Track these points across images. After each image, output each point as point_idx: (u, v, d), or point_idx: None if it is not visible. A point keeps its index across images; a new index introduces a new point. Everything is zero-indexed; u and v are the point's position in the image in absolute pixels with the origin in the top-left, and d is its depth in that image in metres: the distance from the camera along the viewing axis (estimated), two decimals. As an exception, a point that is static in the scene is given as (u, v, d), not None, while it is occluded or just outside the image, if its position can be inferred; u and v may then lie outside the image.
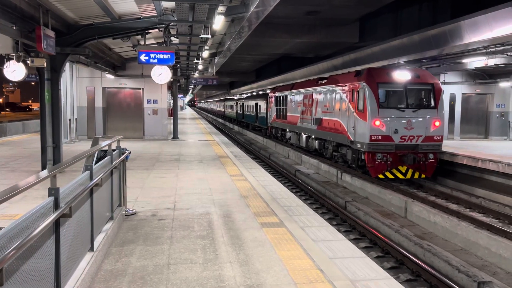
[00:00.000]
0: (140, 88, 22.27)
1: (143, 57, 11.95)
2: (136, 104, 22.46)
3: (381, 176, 14.30)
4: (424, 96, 14.90)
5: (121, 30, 12.07)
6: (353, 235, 10.08)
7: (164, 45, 13.70)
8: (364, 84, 14.33)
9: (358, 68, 18.88)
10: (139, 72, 21.68)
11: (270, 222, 6.98)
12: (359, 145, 14.68)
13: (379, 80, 14.40)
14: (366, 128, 14.14)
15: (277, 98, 27.55)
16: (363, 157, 14.67)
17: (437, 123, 14.40)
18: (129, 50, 18.65)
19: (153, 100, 22.12)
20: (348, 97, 15.68)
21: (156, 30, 12.65)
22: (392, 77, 14.52)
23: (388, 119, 14.10)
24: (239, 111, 46.45)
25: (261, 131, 35.13)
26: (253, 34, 16.26)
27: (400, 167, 14.31)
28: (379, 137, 13.99)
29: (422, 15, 16.59)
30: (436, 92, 14.62)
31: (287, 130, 25.50)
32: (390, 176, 14.33)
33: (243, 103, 43.83)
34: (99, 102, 21.98)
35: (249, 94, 48.11)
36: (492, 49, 15.27)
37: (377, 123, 13.97)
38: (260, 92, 42.47)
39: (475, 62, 18.31)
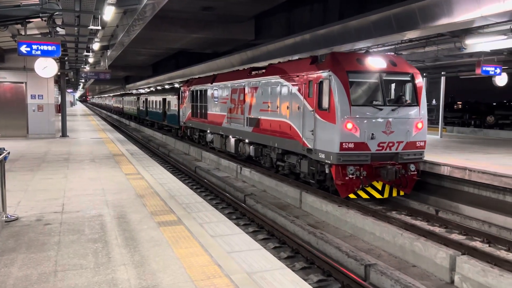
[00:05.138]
0: (22, 82, 20.33)
1: (24, 49, 10.95)
2: (18, 100, 20.47)
3: (352, 196, 11.12)
4: (404, 90, 11.98)
5: (-4, 18, 10.90)
6: (252, 228, 10.29)
7: (49, 36, 12.67)
8: (330, 73, 10.92)
9: (255, 65, 19.24)
10: (21, 64, 19.78)
11: (167, 220, 6.82)
12: (322, 156, 11.23)
13: (349, 68, 11.06)
14: (334, 132, 10.77)
15: (193, 92, 23.38)
16: (326, 171, 11.39)
17: (420, 125, 11.43)
18: (8, 41, 16.92)
19: (38, 95, 20.36)
20: (302, 92, 12.24)
21: (39, 19, 11.64)
22: (364, 65, 11.30)
23: (364, 120, 10.82)
24: (141, 108, 41.65)
25: (171, 131, 30.80)
26: (147, 27, 15.74)
27: (375, 183, 11.22)
28: (351, 145, 10.68)
29: (313, 16, 17.46)
30: (417, 85, 11.68)
31: (208, 131, 21.41)
32: (364, 195, 11.22)
33: (146, 99, 39.11)
34: (-27, 98, 19.66)
35: (156, 88, 43.49)
36: (375, 49, 16.60)
37: (349, 126, 10.64)
38: (175, 85, 37.28)
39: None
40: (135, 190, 8.99)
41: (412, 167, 11.48)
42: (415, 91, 11.65)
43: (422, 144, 11.55)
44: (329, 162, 11.01)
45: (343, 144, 10.67)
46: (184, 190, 9.25)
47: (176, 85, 36.70)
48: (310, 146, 11.79)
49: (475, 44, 13.80)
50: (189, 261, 5.14)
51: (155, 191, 8.98)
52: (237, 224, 10.07)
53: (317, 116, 11.45)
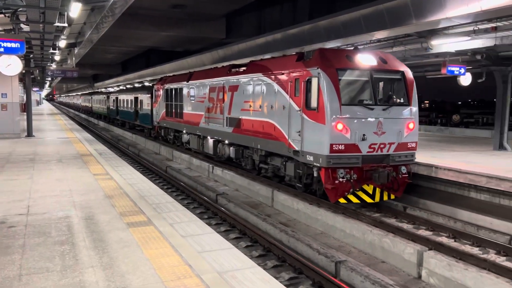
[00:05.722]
0: (-16, 80, 19.65)
1: (-15, 45, 10.54)
2: (-20, 98, 19.77)
3: (342, 200, 10.56)
4: (394, 89, 11.34)
5: (-44, 13, 10.47)
6: (224, 227, 10.25)
7: (13, 32, 12.26)
8: (319, 70, 10.30)
9: (226, 63, 19.18)
10: (-17, 62, 19.08)
11: (137, 221, 6.72)
12: (310, 158, 10.66)
13: (339, 65, 10.48)
14: (323, 133, 10.19)
15: (168, 91, 22.27)
16: (315, 174, 10.86)
17: (411, 125, 10.93)
18: (-31, 37, 16.29)
19: (2, 94, 19.69)
20: (288, 90, 11.56)
21: (2, 15, 11.25)
22: (354, 62, 10.69)
23: (354, 121, 10.27)
24: (111, 107, 40.13)
25: (144, 131, 29.57)
26: (116, 25, 15.47)
27: (365, 187, 10.68)
28: (342, 147, 10.16)
29: (283, 15, 17.56)
30: (408, 83, 11.10)
31: (184, 131, 20.46)
32: (355, 200, 10.70)
33: (117, 98, 37.50)
34: None
35: (127, 86, 42.20)
36: (344, 48, 16.82)
37: (340, 126, 10.10)
38: (146, 83, 36.49)
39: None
40: (104, 191, 8.81)
41: (404, 169, 10.98)
42: (406, 89, 11.08)
43: (413, 145, 11.05)
44: (318, 164, 10.40)
45: (333, 145, 10.11)
46: (154, 190, 9.13)
47: (147, 84, 36.07)
48: (296, 148, 11.17)
49: (441, 45, 14.19)
50: (159, 261, 5.08)
51: (125, 191, 8.83)
52: (209, 224, 10.03)
53: (305, 116, 10.82)
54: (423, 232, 9.60)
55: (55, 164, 12.18)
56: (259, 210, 11.53)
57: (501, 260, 8.08)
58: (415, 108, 11.07)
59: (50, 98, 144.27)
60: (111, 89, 47.53)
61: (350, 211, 10.67)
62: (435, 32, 13.32)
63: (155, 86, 25.25)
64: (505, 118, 16.58)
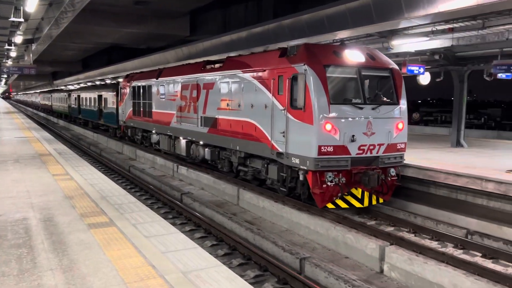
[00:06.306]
0: None
1: None
2: None
3: (330, 206, 10.02)
4: (383, 87, 10.77)
5: None
6: (189, 226, 10.16)
7: (-36, 26, 11.70)
8: (306, 67, 9.66)
9: (192, 61, 18.98)
10: None
11: (98, 222, 6.55)
12: (296, 161, 10.01)
13: (326, 61, 9.86)
14: (311, 135, 9.59)
15: (135, 88, 21.01)
16: (301, 178, 10.20)
17: (400, 125, 10.49)
18: None
19: (-47, 91, 18.78)
20: (270, 88, 10.85)
21: (-48, 8, 10.69)
22: (342, 58, 10.11)
23: (343, 121, 9.69)
24: (73, 105, 38.39)
25: (109, 131, 28.24)
26: (76, 20, 15.03)
27: (353, 190, 10.14)
28: (330, 149, 9.58)
29: (248, 13, 17.57)
30: (396, 81, 10.63)
31: (154, 131, 19.47)
32: (343, 205, 10.12)
33: (79, 96, 35.78)
34: None
35: (90, 84, 40.39)
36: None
37: (328, 127, 9.50)
38: (107, 81, 34.97)
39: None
40: (64, 192, 8.55)
41: (393, 171, 10.54)
42: (395, 87, 10.58)
43: (402, 146, 10.62)
44: (305, 168, 9.78)
45: (322, 147, 9.49)
46: (116, 190, 8.94)
47: (109, 81, 35.27)
48: (280, 150, 10.48)
49: (401, 45, 14.57)
50: (121, 263, 4.97)
51: (85, 192, 8.59)
52: (173, 224, 9.91)
53: (290, 116, 10.14)
54: (385, 228, 9.84)
55: (12, 165, 11.72)
56: (225, 209, 11.49)
57: (458, 253, 8.40)
58: (404, 107, 10.62)
59: (6, 96, 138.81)
60: (71, 87, 46.16)
61: (314, 208, 10.79)
62: (395, 32, 13.67)
63: (121, 84, 24.03)
64: (462, 116, 17.23)
